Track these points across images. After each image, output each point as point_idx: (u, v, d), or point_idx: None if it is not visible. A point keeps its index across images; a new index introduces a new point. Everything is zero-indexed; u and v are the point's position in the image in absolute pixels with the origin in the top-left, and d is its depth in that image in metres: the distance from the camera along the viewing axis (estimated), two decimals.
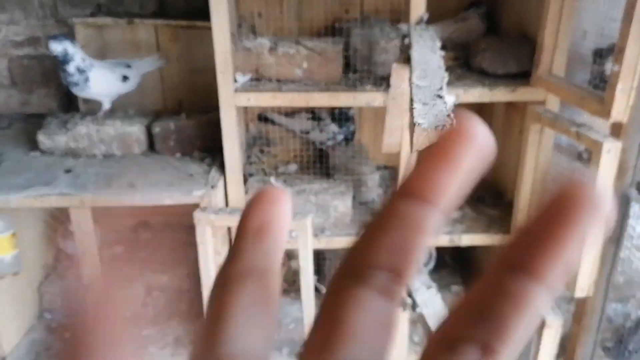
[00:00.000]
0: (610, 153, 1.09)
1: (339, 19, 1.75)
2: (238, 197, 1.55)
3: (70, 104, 2.00)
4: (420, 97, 0.55)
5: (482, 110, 2.02)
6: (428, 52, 0.92)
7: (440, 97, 0.55)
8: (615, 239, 1.23)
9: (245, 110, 1.85)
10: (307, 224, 1.34)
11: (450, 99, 0.55)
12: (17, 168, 1.55)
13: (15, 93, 1.99)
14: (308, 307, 1.44)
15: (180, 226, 2.23)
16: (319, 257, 2.00)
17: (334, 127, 1.92)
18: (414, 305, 1.15)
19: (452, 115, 0.48)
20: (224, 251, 1.52)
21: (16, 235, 1.51)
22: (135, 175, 1.51)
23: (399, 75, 1.06)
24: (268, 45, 1.42)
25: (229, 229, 1.55)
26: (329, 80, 1.48)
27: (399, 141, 1.33)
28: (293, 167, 1.97)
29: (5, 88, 1.98)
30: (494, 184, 1.91)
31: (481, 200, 1.82)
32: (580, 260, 1.23)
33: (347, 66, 1.54)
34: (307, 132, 1.96)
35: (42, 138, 1.64)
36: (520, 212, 1.54)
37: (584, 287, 1.27)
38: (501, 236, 1.62)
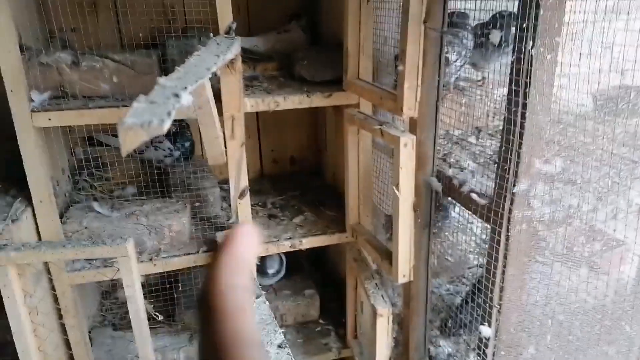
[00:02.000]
0: (407, 146, 1.19)
1: (161, 30, 1.68)
2: (53, 229, 1.38)
3: None
4: (152, 96, 0.52)
5: (317, 115, 2.10)
6: (208, 56, 0.90)
7: (177, 95, 0.52)
8: (426, 224, 1.34)
9: (68, 132, 1.68)
10: (127, 249, 1.24)
11: (187, 98, 0.53)
12: None
13: None
14: (141, 338, 1.33)
15: None
16: (172, 281, 1.89)
17: (168, 144, 1.83)
18: None
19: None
20: (37, 292, 1.35)
21: None
22: None
23: (203, 84, 1.02)
24: (69, 59, 1.30)
25: (45, 264, 1.38)
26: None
27: (222, 151, 1.30)
28: (130, 189, 1.84)
29: None
30: (334, 187, 1.99)
31: (322, 203, 1.87)
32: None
33: None
34: (142, 152, 1.85)
35: None
36: (351, 209, 1.61)
37: (404, 272, 1.36)
38: (339, 235, 1.68)
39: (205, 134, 1.21)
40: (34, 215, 1.35)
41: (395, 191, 1.23)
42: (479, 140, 1.43)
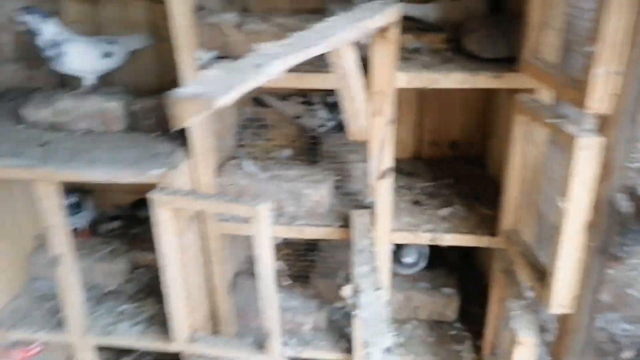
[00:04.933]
0: (587, 151, 0.93)
1: None
2: (207, 179, 1.49)
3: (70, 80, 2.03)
4: (235, 64, 0.45)
5: (489, 97, 1.84)
6: (342, 22, 0.80)
7: (259, 66, 0.45)
8: (602, 249, 1.06)
9: None
10: (259, 211, 1.26)
11: (273, 70, 0.45)
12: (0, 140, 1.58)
13: (21, 68, 2.04)
14: (267, 298, 1.37)
15: None
16: (310, 248, 1.92)
17: (324, 114, 1.82)
18: (355, 306, 1.05)
19: None
20: (188, 235, 1.48)
21: None
22: (104, 151, 1.49)
23: (339, 54, 0.94)
24: (234, 21, 1.34)
25: (198, 212, 1.51)
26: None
27: (363, 127, 1.22)
28: (287, 152, 1.90)
29: (10, 63, 2.03)
30: (496, 180, 1.74)
31: (477, 198, 1.66)
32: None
33: None
34: (299, 117, 1.87)
35: (26, 112, 1.66)
36: (508, 212, 1.38)
37: (562, 302, 1.11)
38: (489, 239, 1.46)
39: (346, 106, 1.14)
40: (193, 164, 1.47)
41: (560, 203, 0.98)
42: None
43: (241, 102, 1.86)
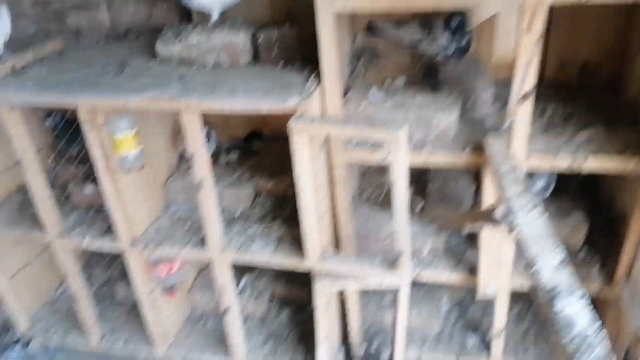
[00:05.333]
0: None
1: None
2: (335, 107, 1.52)
3: (189, 17, 2.09)
4: None
5: (631, 13, 1.67)
6: None
7: None
8: None
9: (353, 20, 1.76)
10: (400, 136, 1.27)
11: None
12: (137, 74, 1.69)
13: (141, 7, 2.13)
14: (400, 221, 1.41)
15: (282, 140, 2.31)
16: (421, 177, 1.93)
17: (446, 38, 1.74)
18: (511, 227, 1.06)
19: None
20: (320, 159, 1.54)
21: (139, 134, 1.68)
22: (238, 83, 1.56)
23: None
24: None
25: (326, 137, 1.55)
26: None
27: (513, 45, 1.16)
28: (400, 81, 1.87)
29: (132, 2, 2.13)
30: (635, 107, 1.61)
31: (615, 123, 1.55)
32: None
33: None
34: (417, 44, 1.81)
35: (159, 48, 1.75)
36: None
37: None
38: (636, 161, 1.38)
39: (500, 24, 1.08)
40: (322, 93, 1.50)
41: None
42: None
43: (353, 31, 1.83)
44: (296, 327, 2.24)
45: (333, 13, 1.35)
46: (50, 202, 1.87)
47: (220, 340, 2.19)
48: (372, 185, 2.10)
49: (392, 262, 1.57)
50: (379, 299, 2.11)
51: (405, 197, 1.41)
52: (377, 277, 1.62)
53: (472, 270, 1.73)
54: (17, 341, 1.75)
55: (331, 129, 1.36)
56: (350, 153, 1.58)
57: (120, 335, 2.25)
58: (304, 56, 1.68)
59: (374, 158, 1.53)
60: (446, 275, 1.76)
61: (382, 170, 1.85)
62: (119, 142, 1.64)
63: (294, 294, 2.33)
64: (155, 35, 2.12)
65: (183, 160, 2.14)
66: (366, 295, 2.04)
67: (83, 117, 1.58)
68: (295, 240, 1.78)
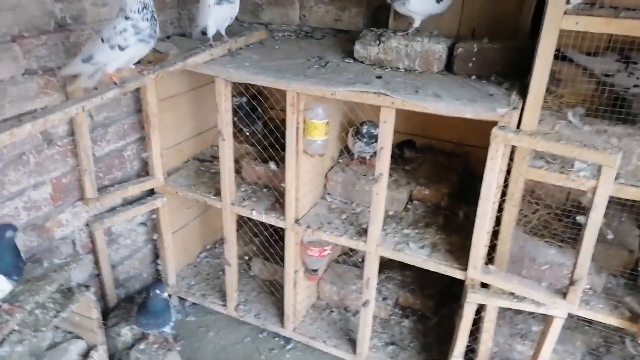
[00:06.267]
0: None
1: None
2: (531, 124, 1.55)
3: (374, 23, 2.24)
4: None
5: None
6: None
7: None
8: None
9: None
10: (615, 159, 1.27)
11: None
12: (338, 70, 1.84)
13: (332, 10, 2.31)
14: (586, 250, 1.40)
15: (440, 150, 2.37)
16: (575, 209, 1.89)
17: None
18: None
19: None
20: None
21: (329, 125, 1.82)
22: (437, 88, 1.64)
23: None
24: None
25: (512, 151, 1.58)
26: None
27: None
28: (580, 110, 1.85)
29: (324, 5, 2.32)
30: None
31: None
32: None
33: None
34: (610, 75, 1.80)
35: (357, 47, 1.90)
36: None
37: None
38: None
39: None
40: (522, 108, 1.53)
41: None
42: None
43: None
44: (418, 336, 2.26)
45: (558, 32, 1.39)
46: (232, 173, 2.07)
47: (344, 333, 2.27)
48: (529, 210, 2.09)
49: (561, 290, 1.56)
50: (510, 326, 2.08)
51: (598, 225, 1.40)
52: (541, 303, 1.60)
53: (634, 315, 1.66)
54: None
55: (535, 142, 1.39)
56: (533, 170, 1.59)
57: (253, 307, 2.41)
58: (499, 71, 1.73)
59: (554, 179, 1.52)
60: (604, 315, 1.70)
61: (545, 196, 1.84)
62: (313, 128, 1.79)
63: (419, 304, 2.36)
64: (339, 36, 2.29)
65: (343, 155, 2.27)
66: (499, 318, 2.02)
67: (289, 100, 1.75)
68: (452, 249, 1.82)
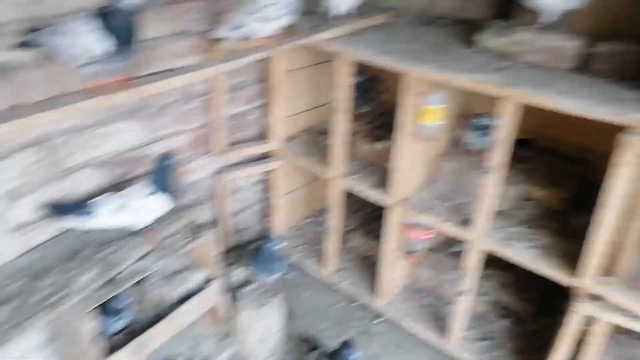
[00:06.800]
0: None
1: None
2: None
3: (502, 15, 2.17)
4: None
5: None
6: None
7: None
8: None
9: None
10: None
11: None
12: (459, 58, 1.85)
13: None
14: None
15: (557, 153, 2.26)
16: None
17: None
18: None
19: None
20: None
21: (444, 111, 1.85)
22: (566, 86, 1.59)
23: None
24: None
25: None
26: None
27: None
28: None
29: None
30: None
31: None
32: None
33: None
34: None
35: (482, 38, 1.88)
36: None
37: None
38: None
39: None
40: None
41: None
42: None
43: None
44: (515, 338, 2.22)
45: None
46: (344, 147, 2.19)
47: (435, 318, 2.31)
48: None
49: None
50: (618, 349, 1.97)
51: None
52: None
53: None
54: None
55: None
56: None
57: (348, 276, 2.55)
58: (635, 74, 1.63)
59: None
60: None
61: None
62: (428, 112, 1.83)
63: (518, 307, 2.30)
64: (462, 26, 2.26)
65: (454, 145, 2.27)
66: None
67: (409, 84, 1.81)
68: (563, 254, 1.78)
